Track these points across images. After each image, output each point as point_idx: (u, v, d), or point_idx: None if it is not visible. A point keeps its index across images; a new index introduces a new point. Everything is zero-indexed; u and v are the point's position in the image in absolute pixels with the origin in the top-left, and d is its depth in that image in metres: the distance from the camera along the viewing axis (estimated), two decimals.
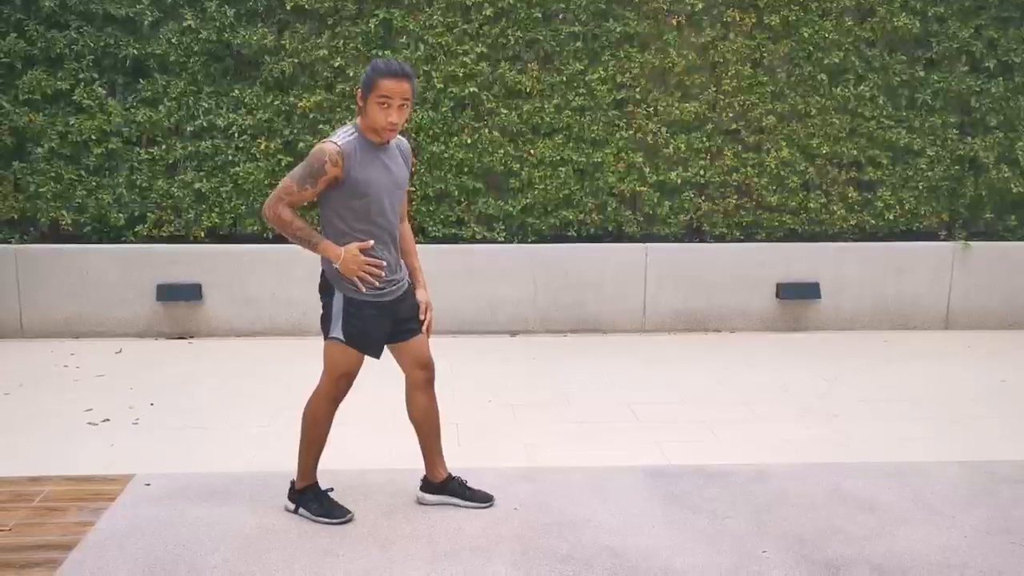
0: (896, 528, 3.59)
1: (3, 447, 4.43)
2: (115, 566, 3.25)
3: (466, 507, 3.72)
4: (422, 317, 3.62)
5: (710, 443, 4.57)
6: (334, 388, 3.55)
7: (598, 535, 3.51)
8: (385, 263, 3.43)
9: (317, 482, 3.67)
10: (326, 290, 3.52)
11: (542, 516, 3.67)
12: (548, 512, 3.70)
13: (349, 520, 3.60)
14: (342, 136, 3.34)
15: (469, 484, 3.79)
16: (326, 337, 3.51)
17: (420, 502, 3.76)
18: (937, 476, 4.09)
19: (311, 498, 3.64)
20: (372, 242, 3.38)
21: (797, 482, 4.01)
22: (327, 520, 3.58)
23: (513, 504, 3.77)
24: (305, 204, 3.55)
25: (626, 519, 3.65)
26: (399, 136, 3.52)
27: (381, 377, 5.59)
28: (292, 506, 3.66)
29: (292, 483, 3.70)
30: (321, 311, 3.54)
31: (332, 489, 3.70)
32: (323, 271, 3.52)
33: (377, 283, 3.40)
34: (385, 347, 3.62)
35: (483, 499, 3.74)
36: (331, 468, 4.11)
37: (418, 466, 3.92)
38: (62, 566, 3.25)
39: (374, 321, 3.48)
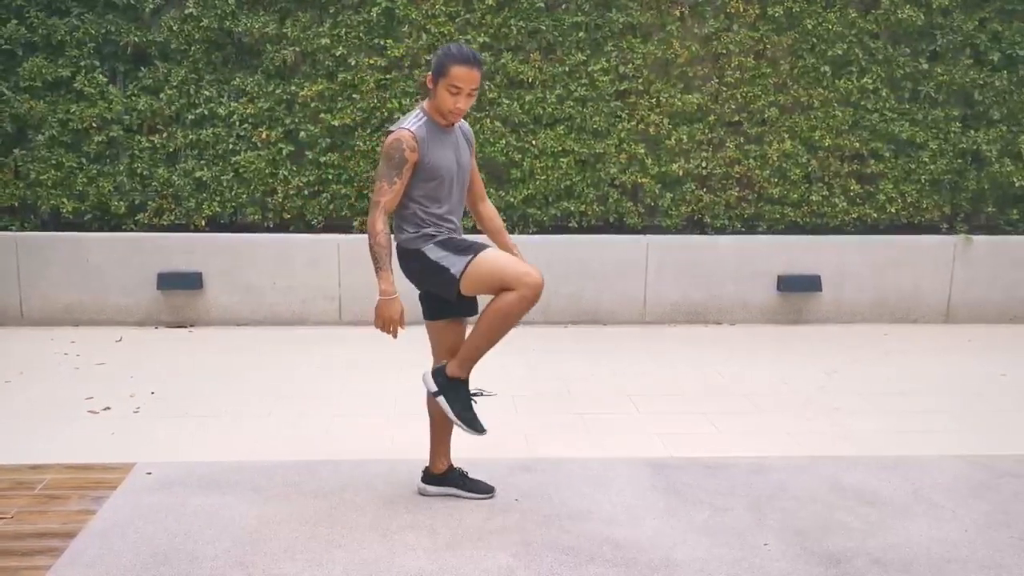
0: (897, 521, 3.59)
1: (4, 435, 4.43)
2: (117, 554, 3.25)
3: (467, 498, 3.72)
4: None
5: (711, 435, 4.58)
6: (524, 286, 3.28)
7: (599, 526, 3.52)
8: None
9: (468, 380, 3.52)
10: (411, 260, 3.45)
11: (543, 507, 3.67)
12: (549, 503, 3.71)
13: (483, 435, 3.51)
14: (412, 121, 3.37)
15: (470, 475, 3.79)
16: (459, 277, 3.34)
17: (421, 493, 3.77)
18: (937, 470, 4.10)
19: (461, 396, 3.49)
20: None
21: (798, 475, 4.01)
22: (464, 426, 3.46)
23: (514, 495, 3.77)
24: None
25: (627, 511, 3.65)
26: (461, 120, 3.55)
27: (383, 367, 5.60)
28: (435, 388, 3.50)
29: (444, 365, 3.52)
30: (430, 279, 3.44)
31: (482, 394, 3.57)
32: (399, 247, 3.47)
33: (392, 337, 3.45)
34: (425, 324, 3.60)
35: (484, 490, 3.75)
36: (332, 458, 4.13)
37: (419, 456, 3.92)
38: (64, 554, 3.25)
39: (461, 240, 3.47)
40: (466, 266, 3.34)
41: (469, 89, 3.32)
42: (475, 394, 3.56)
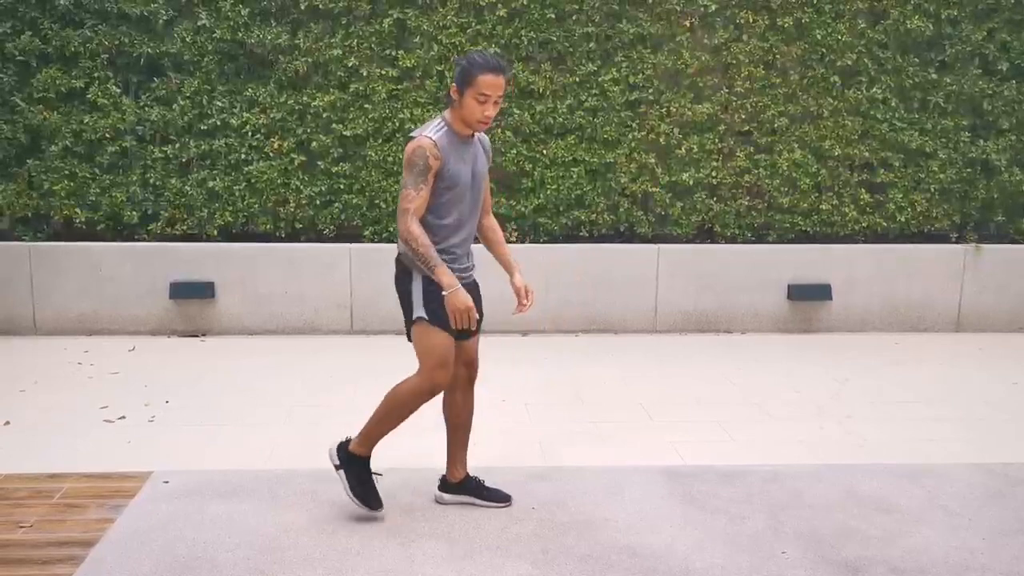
0: (913, 529, 3.60)
1: (21, 444, 4.45)
2: (136, 563, 3.26)
3: (484, 506, 3.73)
4: (524, 301, 3.60)
5: (725, 443, 4.58)
6: (430, 380, 3.41)
7: (616, 535, 3.52)
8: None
9: (369, 458, 3.60)
10: (403, 278, 3.47)
11: (560, 515, 3.68)
12: (566, 511, 3.72)
13: (377, 516, 3.58)
14: (433, 130, 3.36)
15: (487, 484, 3.80)
16: (410, 323, 3.43)
17: (438, 501, 3.78)
18: (952, 478, 4.10)
19: (358, 472, 3.56)
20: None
21: (814, 483, 4.02)
22: (359, 503, 3.55)
23: (531, 503, 3.78)
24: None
25: (644, 519, 3.66)
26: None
27: (396, 376, 5.61)
28: (336, 462, 3.58)
29: (348, 440, 3.60)
30: (401, 300, 3.50)
31: (380, 475, 3.64)
32: (398, 258, 3.49)
33: (462, 327, 3.35)
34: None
35: (501, 499, 3.75)
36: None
37: (436, 465, 3.94)
38: (84, 563, 3.26)
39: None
40: (417, 319, 3.40)
41: (496, 97, 3.31)
42: (376, 475, 3.64)
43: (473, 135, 3.47)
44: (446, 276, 3.28)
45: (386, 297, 6.63)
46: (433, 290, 3.37)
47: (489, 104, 3.30)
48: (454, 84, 3.35)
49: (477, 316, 3.33)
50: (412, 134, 3.38)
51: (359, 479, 3.57)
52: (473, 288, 3.58)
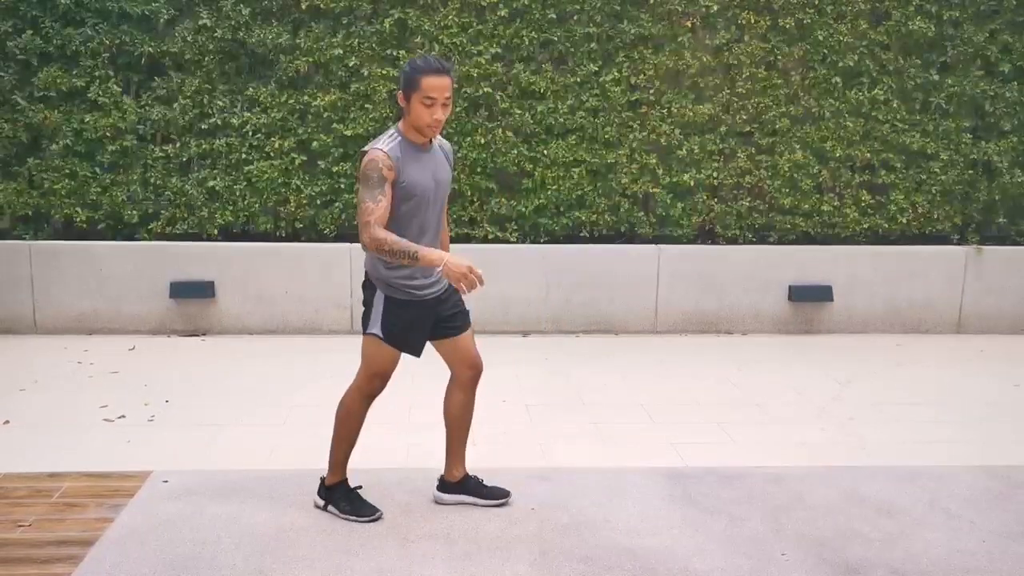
0: (914, 532, 3.59)
1: (20, 442, 4.45)
2: (136, 562, 3.26)
3: (483, 505, 3.73)
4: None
5: (725, 445, 4.57)
6: (368, 384, 3.55)
7: (616, 536, 3.52)
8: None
9: (347, 479, 3.68)
10: (369, 287, 3.51)
11: (560, 517, 3.67)
12: (566, 512, 3.71)
13: (378, 518, 3.60)
14: (385, 142, 3.31)
15: (485, 483, 3.80)
16: (365, 332, 3.50)
17: (437, 502, 3.77)
18: (953, 480, 4.09)
19: (340, 496, 3.65)
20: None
21: (814, 485, 4.01)
22: (356, 518, 3.60)
23: (530, 504, 3.77)
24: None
25: (644, 520, 3.65)
26: (440, 137, 3.53)
27: (396, 376, 5.61)
28: (321, 503, 3.68)
29: (322, 479, 3.71)
30: (363, 308, 3.54)
31: (360, 487, 3.70)
32: (367, 271, 3.51)
33: (471, 289, 3.24)
34: (429, 344, 3.61)
35: (500, 495, 3.75)
36: (349, 467, 4.13)
37: (435, 465, 3.93)
38: (83, 562, 3.26)
39: (415, 321, 3.49)
40: (371, 335, 3.47)
41: (443, 98, 3.25)
42: (356, 488, 3.70)
43: (431, 142, 3.43)
44: (431, 255, 3.18)
45: None
46: (394, 310, 3.42)
47: (437, 107, 3.24)
48: (400, 92, 3.32)
49: (480, 272, 3.20)
50: (365, 148, 3.33)
51: (346, 499, 3.66)
52: (447, 295, 3.56)
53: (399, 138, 3.34)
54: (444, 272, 3.18)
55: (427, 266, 3.22)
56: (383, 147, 3.29)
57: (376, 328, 3.45)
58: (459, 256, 3.18)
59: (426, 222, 3.42)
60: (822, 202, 6.91)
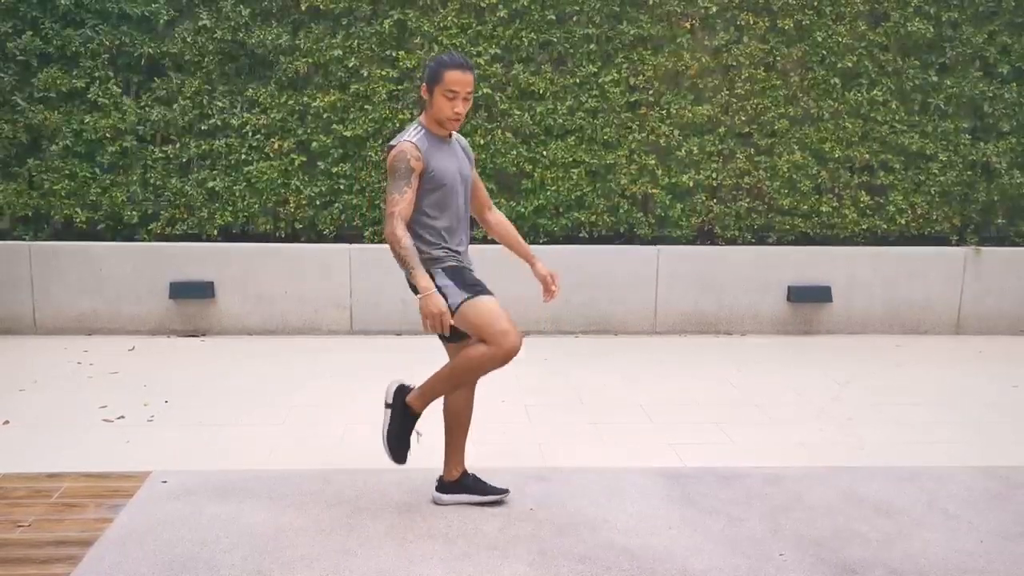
0: (913, 532, 3.59)
1: (20, 443, 4.45)
2: (135, 562, 3.26)
3: (482, 502, 3.73)
4: (553, 287, 3.75)
5: (724, 445, 4.58)
6: (500, 347, 3.35)
7: (615, 536, 3.52)
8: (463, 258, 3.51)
9: (419, 416, 3.65)
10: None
11: (558, 516, 3.67)
12: (564, 512, 3.71)
13: (400, 463, 3.67)
14: (411, 133, 3.45)
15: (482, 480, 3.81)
16: (454, 312, 3.39)
17: (436, 502, 3.77)
18: (952, 481, 4.09)
19: (402, 422, 3.62)
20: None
21: (813, 485, 4.01)
22: (387, 448, 3.63)
23: (529, 504, 3.77)
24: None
25: (642, 520, 3.65)
26: (457, 133, 3.62)
27: (395, 376, 5.61)
28: (389, 400, 3.63)
29: (408, 388, 3.64)
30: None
31: (421, 435, 3.74)
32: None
33: (435, 332, 3.35)
34: (436, 340, 3.65)
35: (498, 491, 3.75)
36: (347, 467, 4.14)
37: (434, 465, 3.93)
38: (82, 562, 3.26)
39: (469, 272, 3.55)
40: (461, 303, 3.40)
41: (465, 93, 3.40)
42: (417, 433, 3.70)
43: (450, 136, 3.54)
44: (423, 279, 3.32)
45: (386, 297, 6.63)
46: (455, 274, 3.45)
47: (458, 100, 3.39)
48: (424, 84, 3.46)
49: (450, 322, 3.32)
50: (391, 142, 3.45)
51: (401, 429, 3.60)
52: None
53: (423, 130, 3.47)
54: (421, 303, 3.31)
55: (414, 283, 3.34)
56: (410, 138, 3.42)
57: (459, 295, 3.42)
58: (436, 300, 3.29)
59: (459, 210, 3.53)
60: (821, 203, 6.92)
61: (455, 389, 3.57)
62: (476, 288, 3.46)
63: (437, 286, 3.40)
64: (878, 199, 7.00)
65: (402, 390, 3.63)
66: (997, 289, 7.01)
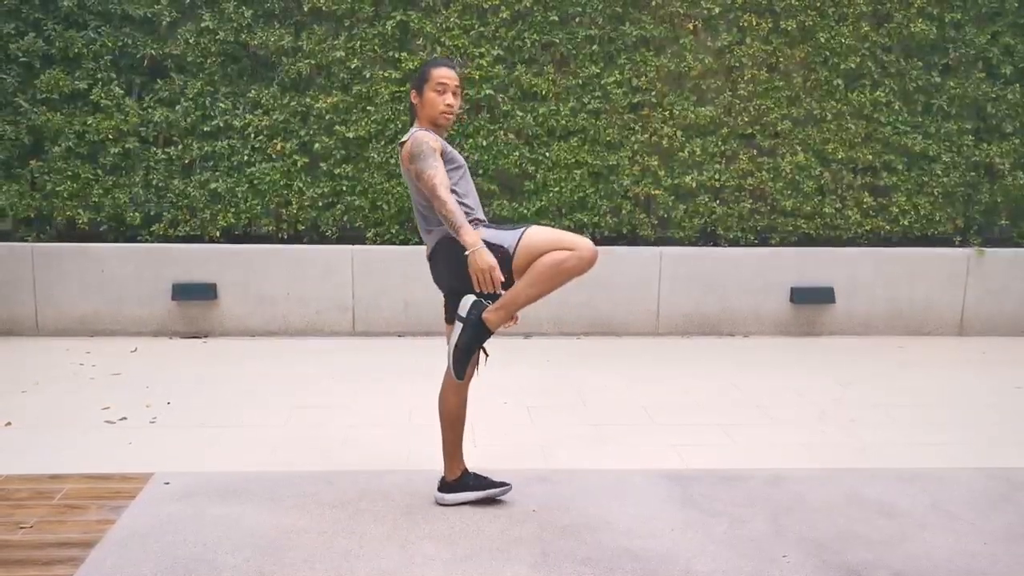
0: (916, 534, 3.58)
1: (22, 444, 4.45)
2: (137, 564, 3.26)
3: (486, 497, 3.73)
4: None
5: (726, 447, 4.57)
6: (582, 244, 3.28)
7: (617, 538, 3.51)
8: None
9: (493, 333, 3.47)
10: (460, 251, 3.34)
11: (561, 518, 3.67)
12: (566, 514, 3.70)
13: (459, 380, 3.48)
14: (416, 128, 3.51)
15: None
16: (513, 252, 3.32)
17: (439, 503, 3.77)
18: (955, 482, 4.08)
19: (476, 334, 3.43)
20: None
21: (816, 487, 4.00)
22: (452, 360, 3.43)
23: (531, 505, 3.77)
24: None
25: (645, 522, 3.64)
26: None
27: (397, 377, 5.61)
28: (464, 314, 3.41)
29: (485, 305, 3.45)
30: (469, 280, 3.34)
31: (488, 356, 3.63)
32: (440, 243, 3.46)
33: (494, 290, 3.26)
34: (440, 338, 3.63)
35: (500, 484, 3.76)
36: (349, 469, 4.14)
37: (436, 467, 3.93)
38: (84, 564, 3.25)
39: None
40: (519, 239, 3.34)
41: (454, 86, 3.47)
42: (485, 352, 3.54)
43: (446, 132, 3.60)
44: (470, 235, 3.25)
45: (388, 299, 6.63)
46: (486, 230, 3.40)
47: (448, 93, 3.45)
48: (413, 91, 3.53)
49: (502, 278, 3.25)
50: (403, 139, 3.49)
51: (471, 342, 3.40)
52: None
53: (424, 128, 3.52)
54: (471, 258, 3.23)
55: (461, 240, 3.25)
56: (419, 130, 3.46)
57: (513, 233, 3.37)
58: (488, 254, 3.24)
59: (472, 191, 3.56)
60: (824, 204, 6.91)
61: (540, 296, 3.37)
62: (519, 224, 3.45)
63: (485, 241, 3.31)
64: (881, 200, 7.00)
65: (476, 307, 3.45)
66: (1000, 290, 7.00)
